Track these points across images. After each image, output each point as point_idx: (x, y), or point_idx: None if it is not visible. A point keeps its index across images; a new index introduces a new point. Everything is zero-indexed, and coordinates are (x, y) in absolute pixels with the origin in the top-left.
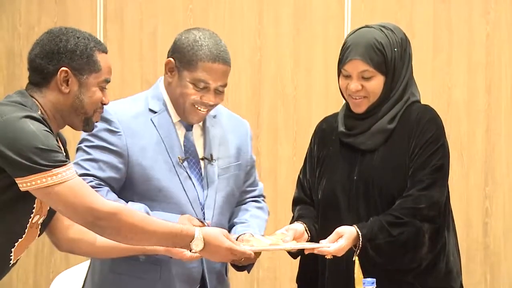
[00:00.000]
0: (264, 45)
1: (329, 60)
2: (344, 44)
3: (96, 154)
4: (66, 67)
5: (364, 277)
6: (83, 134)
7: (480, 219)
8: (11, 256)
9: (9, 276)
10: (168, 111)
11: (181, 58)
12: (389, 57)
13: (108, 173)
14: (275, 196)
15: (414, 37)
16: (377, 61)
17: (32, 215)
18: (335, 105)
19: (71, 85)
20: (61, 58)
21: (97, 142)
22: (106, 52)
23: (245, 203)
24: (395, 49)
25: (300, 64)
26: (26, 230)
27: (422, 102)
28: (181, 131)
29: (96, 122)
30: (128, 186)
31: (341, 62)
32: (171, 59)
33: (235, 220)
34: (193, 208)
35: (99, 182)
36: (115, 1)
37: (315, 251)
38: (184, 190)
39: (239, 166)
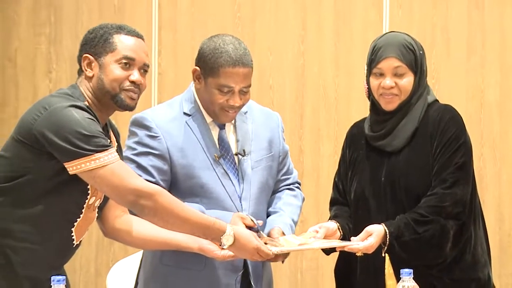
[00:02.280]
0: (307, 50)
1: None
2: (374, 47)
3: (142, 160)
4: (88, 53)
5: (394, 272)
6: (127, 142)
7: None
8: (73, 236)
9: (72, 264)
10: (201, 113)
11: (205, 66)
12: (418, 57)
13: (157, 177)
14: (317, 191)
15: (449, 40)
16: (409, 59)
17: (88, 197)
18: None
19: (94, 68)
20: (85, 48)
21: (140, 149)
22: (132, 35)
23: (279, 191)
24: (420, 52)
25: (340, 68)
26: (83, 211)
27: (457, 102)
28: (215, 131)
29: (132, 99)
30: (172, 185)
31: (374, 62)
32: (196, 67)
33: (270, 209)
34: (232, 201)
35: None
36: (169, 10)
37: (346, 249)
38: (223, 185)
39: (272, 157)
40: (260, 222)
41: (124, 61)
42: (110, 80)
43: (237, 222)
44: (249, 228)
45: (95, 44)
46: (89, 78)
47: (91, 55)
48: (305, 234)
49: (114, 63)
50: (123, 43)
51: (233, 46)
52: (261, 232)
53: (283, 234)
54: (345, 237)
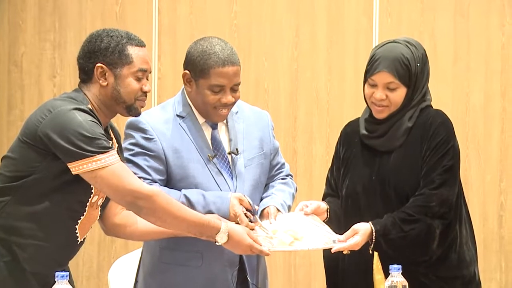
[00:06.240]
0: (301, 56)
1: (359, 69)
2: (372, 56)
3: (139, 160)
4: (101, 63)
5: (382, 267)
6: (123, 144)
7: (495, 212)
8: (77, 233)
9: (76, 261)
10: (194, 115)
11: (195, 69)
12: (413, 71)
13: (154, 176)
14: (310, 191)
15: (436, 47)
16: (402, 75)
17: (91, 196)
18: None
19: (108, 78)
20: (96, 56)
21: (137, 150)
22: (141, 46)
23: (272, 183)
24: (418, 64)
25: (332, 72)
26: (86, 209)
27: (443, 105)
28: (208, 131)
29: (142, 107)
30: (167, 185)
31: (369, 72)
32: (186, 71)
33: (262, 195)
34: None
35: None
36: (169, 17)
37: (333, 250)
38: (217, 183)
39: (264, 155)
40: (256, 207)
41: (139, 74)
42: (128, 92)
43: (235, 203)
44: (247, 210)
45: (109, 54)
46: (101, 86)
47: (104, 65)
48: (291, 212)
49: (130, 76)
50: (137, 55)
51: (220, 47)
52: (256, 216)
53: (279, 211)
54: (331, 221)
